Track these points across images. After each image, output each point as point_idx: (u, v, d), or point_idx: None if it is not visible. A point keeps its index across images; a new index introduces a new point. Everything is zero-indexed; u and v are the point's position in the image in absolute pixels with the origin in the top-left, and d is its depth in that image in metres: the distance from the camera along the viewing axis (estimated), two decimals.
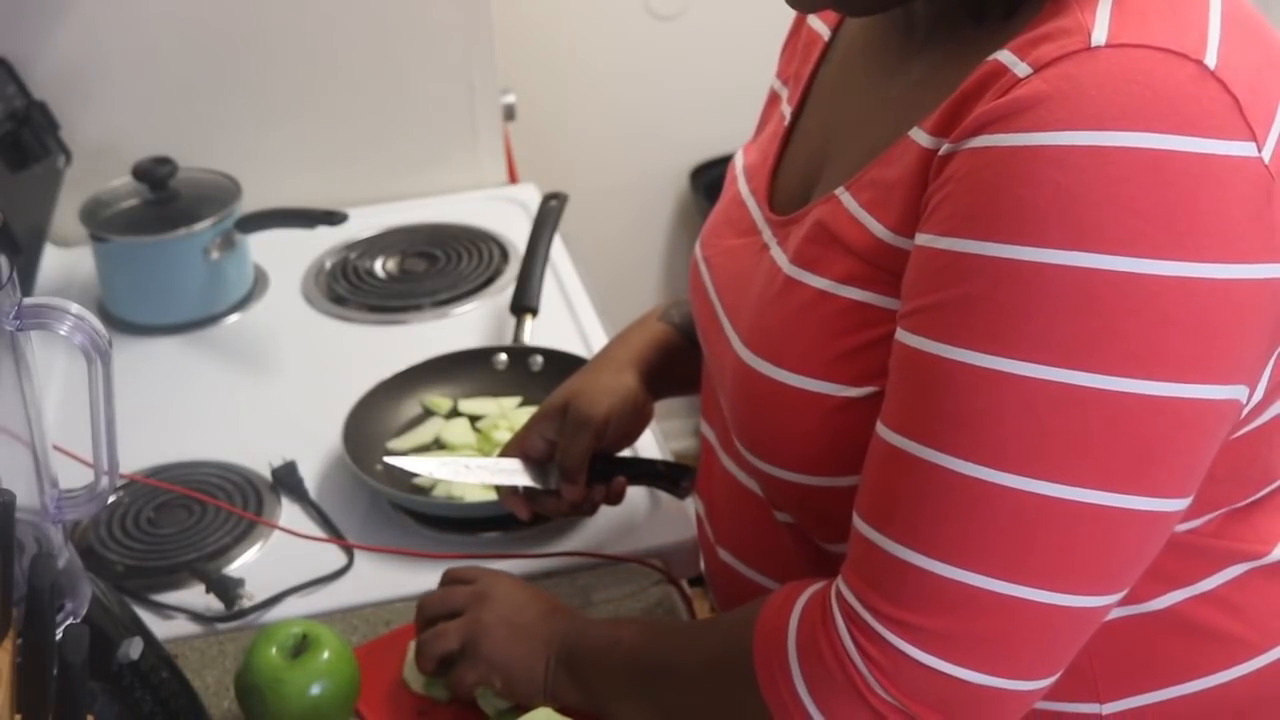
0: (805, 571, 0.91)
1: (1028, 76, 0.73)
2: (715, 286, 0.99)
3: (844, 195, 0.86)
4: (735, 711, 0.86)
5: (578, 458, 1.12)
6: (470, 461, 1.16)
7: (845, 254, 0.84)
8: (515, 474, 1.15)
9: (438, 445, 1.38)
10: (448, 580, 1.10)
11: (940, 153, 0.77)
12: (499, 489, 1.16)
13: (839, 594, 0.80)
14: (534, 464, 1.15)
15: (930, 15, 0.86)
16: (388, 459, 1.22)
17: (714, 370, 1.00)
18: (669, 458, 1.33)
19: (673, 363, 1.18)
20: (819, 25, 1.02)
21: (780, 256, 0.91)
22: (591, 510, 1.18)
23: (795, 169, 0.98)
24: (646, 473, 1.20)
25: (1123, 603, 0.81)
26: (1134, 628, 0.87)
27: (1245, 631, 0.88)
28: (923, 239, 0.77)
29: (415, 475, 1.28)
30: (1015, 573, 0.75)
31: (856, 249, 0.83)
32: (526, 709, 1.00)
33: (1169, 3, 0.75)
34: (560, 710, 0.96)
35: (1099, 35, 0.73)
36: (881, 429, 0.79)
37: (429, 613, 1.07)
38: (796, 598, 0.84)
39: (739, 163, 1.06)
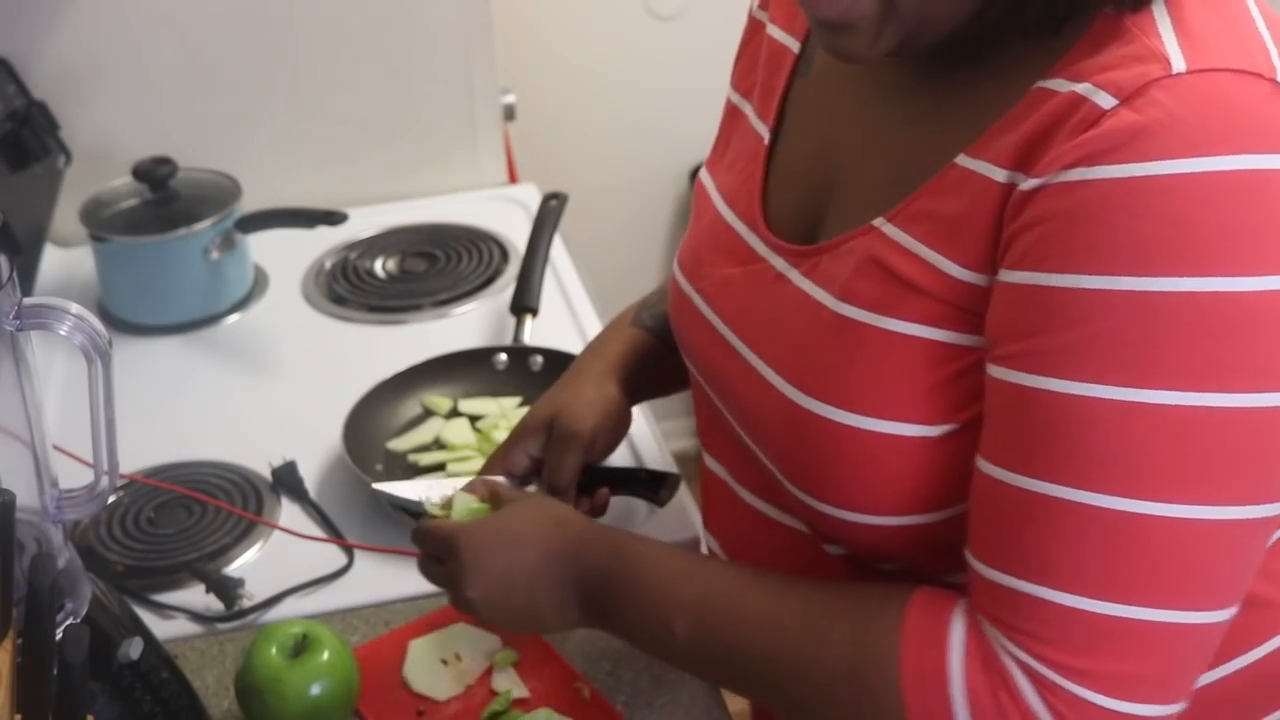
0: None
1: (1115, 107, 0.73)
2: (724, 320, 0.96)
3: (888, 228, 0.84)
4: None
5: (568, 475, 1.09)
6: (459, 483, 1.13)
7: (914, 293, 0.82)
8: None
9: (438, 445, 1.38)
10: (424, 546, 1.04)
11: (1022, 188, 0.76)
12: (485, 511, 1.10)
13: (1010, 655, 0.77)
14: (517, 481, 1.12)
15: (957, 36, 0.83)
16: (376, 487, 1.19)
17: (733, 408, 0.96)
18: (664, 460, 1.33)
19: (650, 369, 1.16)
20: (783, 36, 1.00)
21: (815, 290, 0.88)
22: None
23: (789, 192, 0.95)
24: (628, 482, 1.18)
25: None
26: None
27: None
28: (1017, 276, 0.76)
29: (413, 468, 1.28)
30: (1180, 600, 0.75)
31: (928, 289, 0.82)
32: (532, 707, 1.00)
33: (1222, 20, 0.76)
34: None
35: (1178, 62, 0.73)
36: (999, 472, 0.77)
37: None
38: (943, 648, 0.79)
39: (709, 183, 1.03)
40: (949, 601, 0.81)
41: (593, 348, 1.18)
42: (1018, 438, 0.77)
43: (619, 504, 1.26)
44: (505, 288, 1.65)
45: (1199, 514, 0.74)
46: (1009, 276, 0.77)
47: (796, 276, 0.90)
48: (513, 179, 1.98)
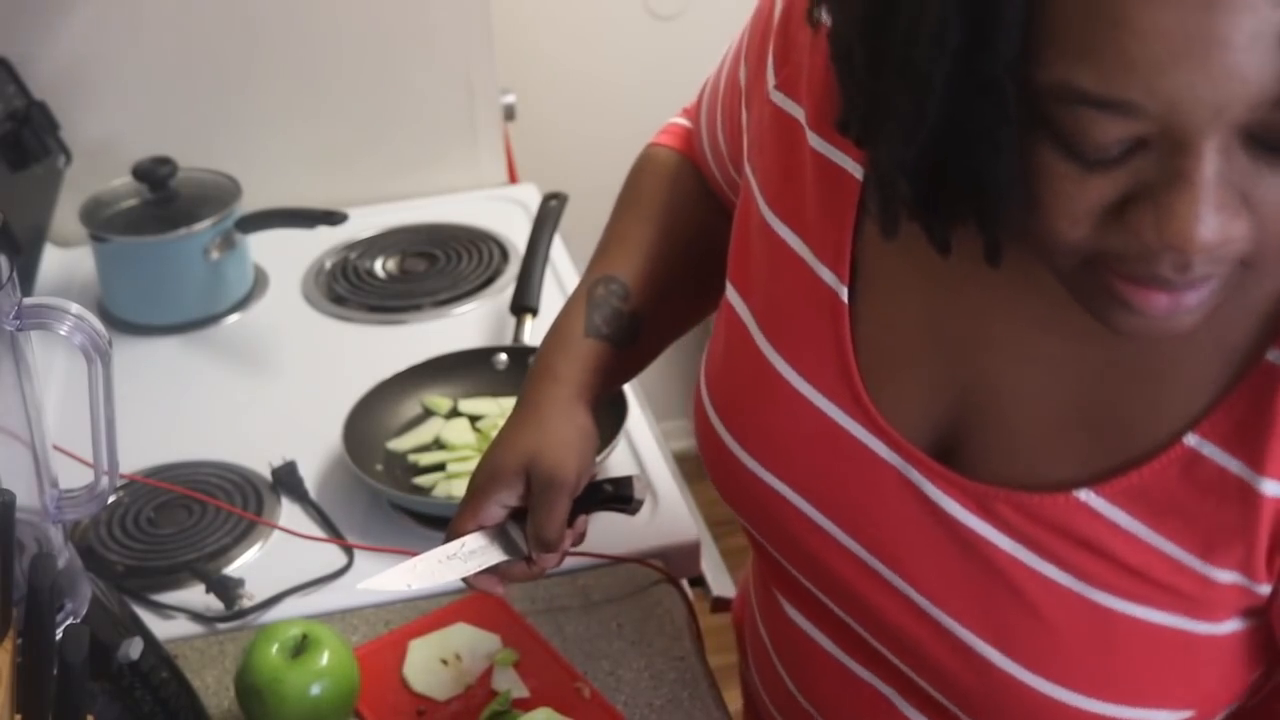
0: None
1: None
2: (833, 519, 0.82)
3: (1097, 501, 0.73)
4: None
5: (557, 528, 0.93)
6: (438, 554, 0.97)
7: (1170, 593, 0.72)
8: (488, 553, 0.97)
9: (438, 445, 1.37)
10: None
11: (1272, 495, 0.68)
12: (467, 579, 0.97)
13: None
14: (494, 532, 0.98)
15: None
16: (360, 586, 1.00)
17: (862, 617, 0.84)
18: (665, 459, 1.33)
19: (613, 381, 1.02)
20: (828, 149, 0.81)
21: (1002, 540, 0.76)
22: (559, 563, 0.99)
23: (900, 387, 0.80)
24: (597, 500, 1.01)
25: None
26: None
27: None
28: None
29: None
30: None
31: (1199, 597, 0.72)
32: (528, 709, 1.00)
33: None
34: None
35: None
36: None
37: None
38: None
39: (742, 307, 0.87)
40: None
41: (548, 369, 1.00)
42: None
43: (615, 519, 1.26)
44: (505, 288, 1.65)
45: None
46: None
47: (953, 506, 0.77)
48: (513, 179, 1.98)
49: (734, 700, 1.12)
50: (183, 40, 1.74)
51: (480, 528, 0.96)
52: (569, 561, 1.22)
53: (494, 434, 1.35)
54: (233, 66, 1.77)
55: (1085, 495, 0.73)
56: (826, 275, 0.81)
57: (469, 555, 0.97)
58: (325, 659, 1.04)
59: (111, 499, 1.12)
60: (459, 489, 1.30)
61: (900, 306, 0.79)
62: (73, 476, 0.87)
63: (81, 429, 0.84)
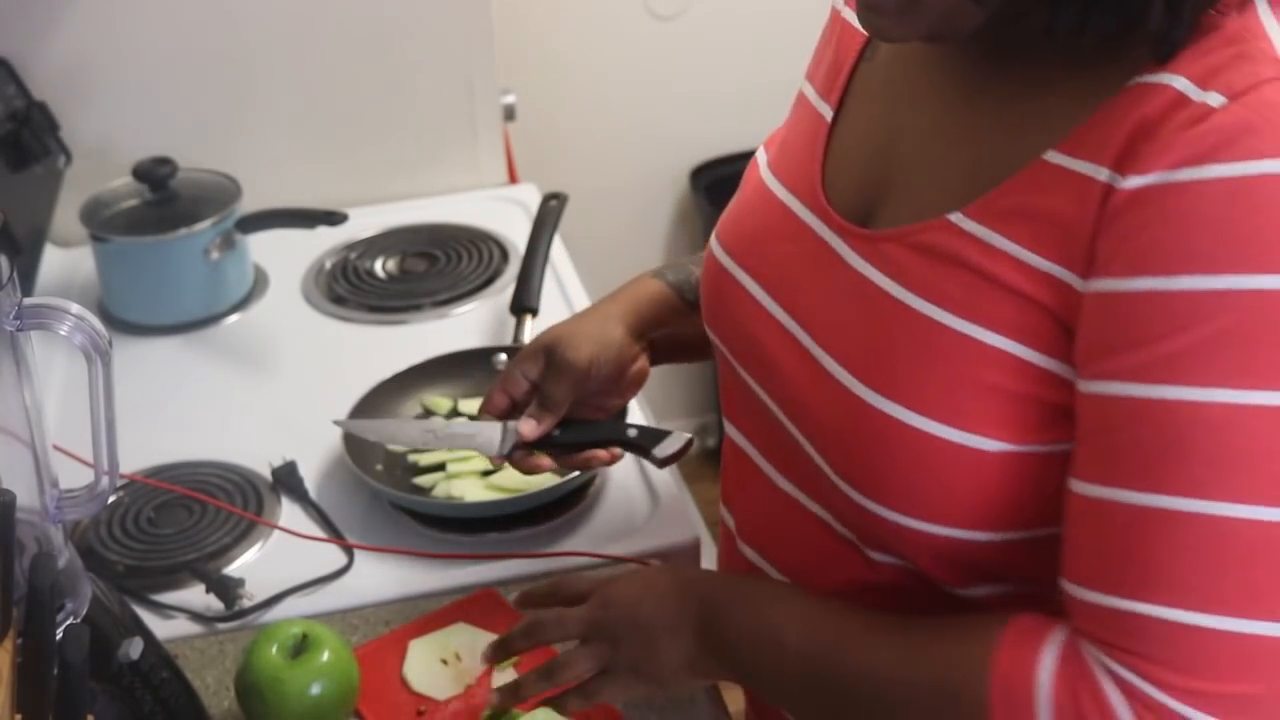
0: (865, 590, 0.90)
1: (1225, 105, 0.72)
2: (776, 298, 0.93)
3: (969, 224, 0.81)
4: None
5: (558, 398, 1.11)
6: (428, 425, 1.13)
7: (1005, 296, 0.79)
8: (466, 439, 1.13)
9: None
10: (556, 598, 1.04)
11: (1124, 188, 0.74)
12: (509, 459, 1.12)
13: (1110, 673, 0.74)
14: (504, 415, 1.13)
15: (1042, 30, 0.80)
16: (336, 421, 1.23)
17: (776, 391, 0.93)
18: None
19: (666, 320, 1.15)
20: (854, 18, 0.95)
21: (877, 276, 0.85)
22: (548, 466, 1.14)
23: (847, 173, 0.93)
24: (615, 439, 1.14)
25: None
26: None
27: None
28: (1126, 284, 0.74)
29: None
30: None
31: (1022, 290, 0.79)
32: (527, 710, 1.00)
33: None
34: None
35: None
36: (1107, 491, 0.75)
37: (546, 636, 1.01)
38: (1034, 662, 0.77)
39: (762, 159, 1.01)
40: (1046, 627, 0.78)
41: (611, 293, 1.18)
42: (1130, 454, 0.74)
43: (617, 510, 1.26)
44: (505, 288, 1.65)
45: None
46: (1114, 285, 0.74)
47: (855, 259, 0.88)
48: (513, 179, 1.98)
49: (734, 701, 1.12)
50: (183, 40, 1.74)
51: (507, 394, 1.13)
52: (569, 561, 1.23)
53: None
54: (233, 66, 1.77)
55: (955, 217, 0.82)
56: (821, 106, 0.97)
57: (448, 436, 1.15)
58: (325, 659, 1.04)
59: (111, 499, 1.11)
60: (459, 489, 1.30)
61: (865, 122, 0.94)
62: (73, 476, 0.87)
63: (81, 429, 0.84)
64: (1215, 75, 0.73)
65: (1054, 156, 0.78)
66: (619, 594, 0.98)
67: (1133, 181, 0.73)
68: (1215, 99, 0.72)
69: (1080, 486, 0.76)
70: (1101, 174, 0.75)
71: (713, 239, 1.02)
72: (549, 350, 1.12)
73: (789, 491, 0.96)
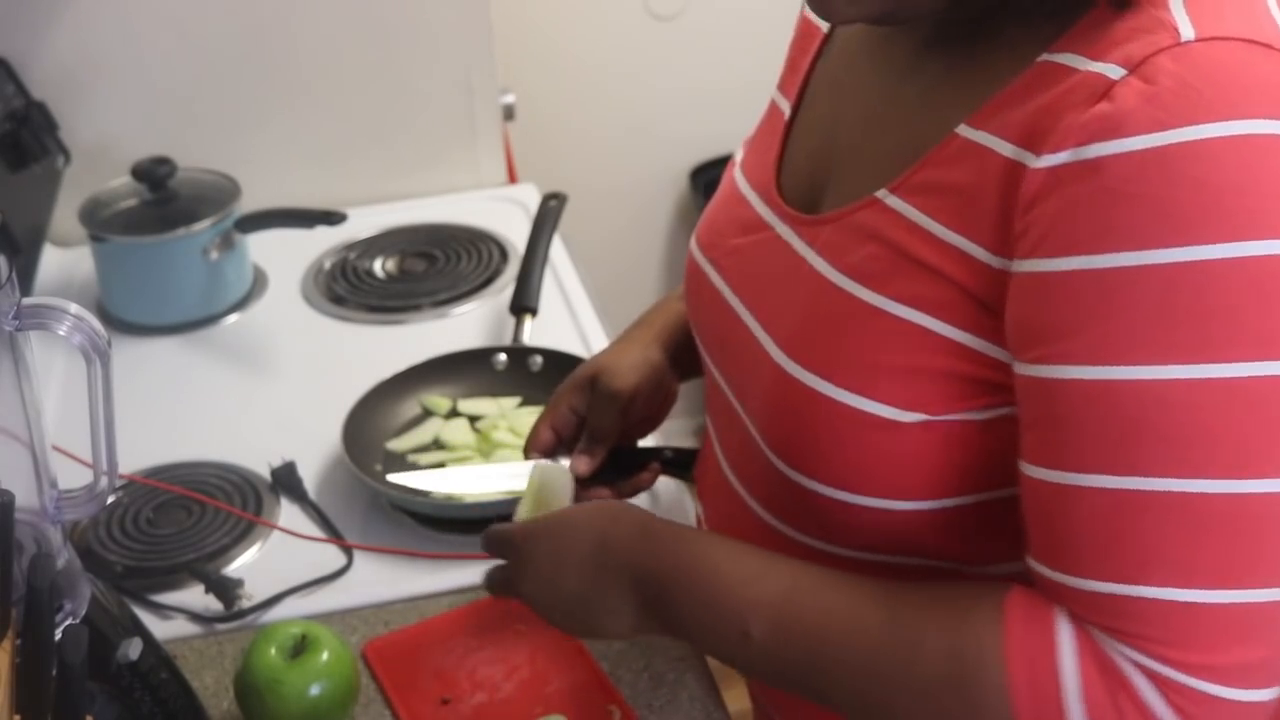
0: None
1: (1124, 77, 0.72)
2: (731, 286, 0.96)
3: (890, 199, 0.83)
4: None
5: (606, 430, 1.11)
6: (478, 471, 1.12)
7: (917, 269, 0.81)
8: (540, 492, 1.08)
9: (437, 445, 1.38)
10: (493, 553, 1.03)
11: (1036, 167, 0.74)
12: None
13: (1127, 659, 0.74)
14: (555, 445, 1.13)
15: (960, 10, 0.83)
16: (391, 477, 1.21)
17: (728, 375, 0.97)
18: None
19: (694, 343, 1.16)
20: (815, 17, 0.99)
21: (818, 260, 0.88)
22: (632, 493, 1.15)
23: (799, 165, 0.96)
24: (658, 459, 1.16)
25: None
26: None
27: None
28: (1047, 265, 0.74)
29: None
30: None
31: (932, 263, 0.80)
32: None
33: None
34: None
35: (1186, 30, 0.72)
36: (1070, 477, 0.74)
37: (496, 592, 1.03)
38: (1053, 647, 0.76)
39: (738, 158, 1.04)
40: (1048, 605, 0.78)
41: (642, 319, 1.20)
42: (1088, 438, 0.73)
43: None
44: (505, 288, 1.65)
45: None
46: (1044, 265, 0.74)
47: (800, 245, 0.90)
48: (512, 179, 1.98)
49: (734, 701, 1.12)
50: (182, 40, 1.74)
51: (553, 430, 1.13)
52: None
53: (493, 434, 1.37)
54: (232, 66, 1.77)
55: (882, 194, 0.84)
56: (782, 102, 1.01)
57: (508, 477, 1.16)
58: (325, 659, 1.04)
59: (111, 499, 1.12)
60: (458, 490, 1.30)
61: (815, 114, 0.97)
62: (72, 476, 0.87)
63: (81, 429, 0.84)
64: (1115, 48, 0.74)
65: (964, 130, 0.80)
66: (535, 569, 0.96)
67: (1046, 160, 0.74)
68: (1115, 72, 0.72)
69: (1040, 472, 0.76)
70: (1004, 148, 0.76)
71: (692, 237, 1.04)
72: (594, 382, 1.12)
73: (739, 490, 0.97)
